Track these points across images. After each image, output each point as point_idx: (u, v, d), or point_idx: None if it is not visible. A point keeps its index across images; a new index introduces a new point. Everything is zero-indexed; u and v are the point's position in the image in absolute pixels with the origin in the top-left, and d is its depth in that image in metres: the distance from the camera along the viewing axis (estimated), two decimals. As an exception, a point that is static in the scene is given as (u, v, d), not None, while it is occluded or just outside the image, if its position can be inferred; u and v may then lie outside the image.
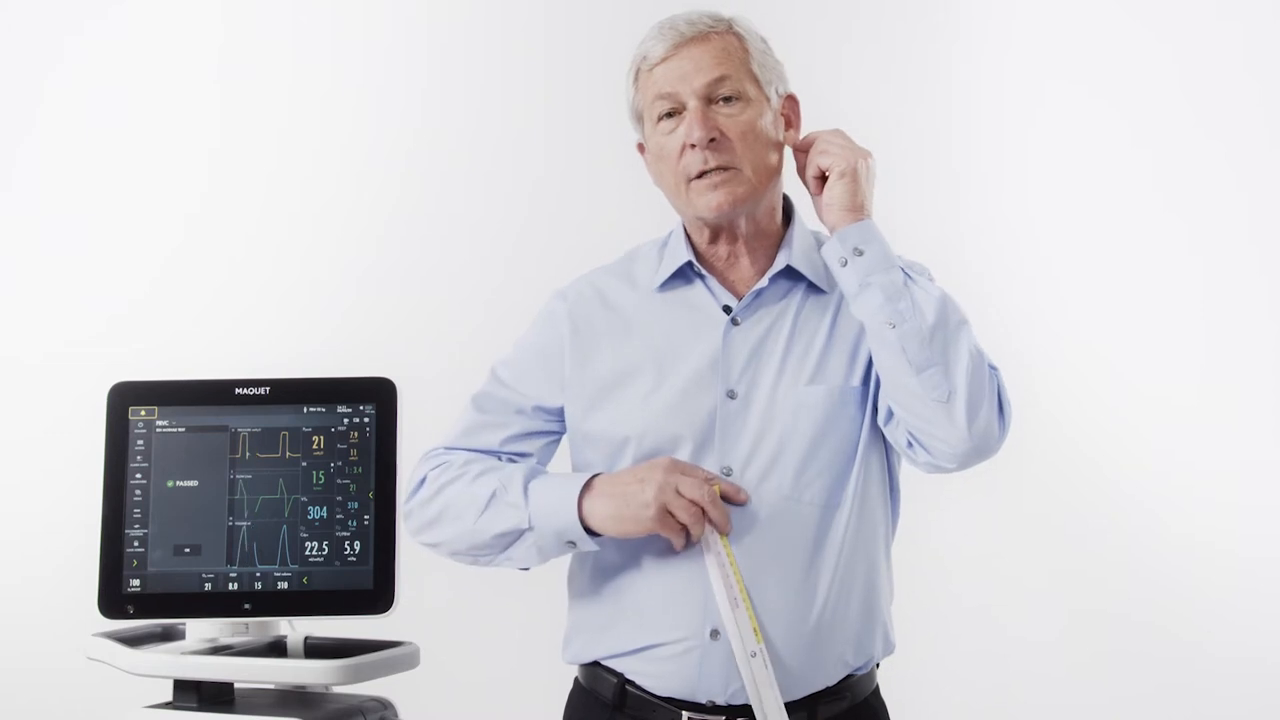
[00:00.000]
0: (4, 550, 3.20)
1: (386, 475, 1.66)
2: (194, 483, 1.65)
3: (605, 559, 1.62)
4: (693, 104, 1.58)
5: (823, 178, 1.59)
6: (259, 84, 3.38)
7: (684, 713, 1.57)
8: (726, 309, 1.64)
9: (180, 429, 1.66)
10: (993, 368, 1.57)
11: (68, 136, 3.35)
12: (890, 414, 1.58)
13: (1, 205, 3.35)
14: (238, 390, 1.68)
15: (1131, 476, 3.21)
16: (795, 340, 1.62)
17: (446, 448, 1.71)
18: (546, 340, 1.71)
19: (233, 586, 1.63)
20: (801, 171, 1.64)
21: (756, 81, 1.62)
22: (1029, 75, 3.34)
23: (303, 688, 1.64)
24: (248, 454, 1.66)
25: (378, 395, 1.67)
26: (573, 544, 1.58)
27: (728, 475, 1.57)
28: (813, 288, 1.65)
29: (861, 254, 1.55)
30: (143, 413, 1.66)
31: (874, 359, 1.57)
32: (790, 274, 1.65)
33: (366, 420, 1.67)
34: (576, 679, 1.71)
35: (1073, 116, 3.31)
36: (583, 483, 1.56)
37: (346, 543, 1.64)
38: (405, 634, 1.68)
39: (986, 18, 3.40)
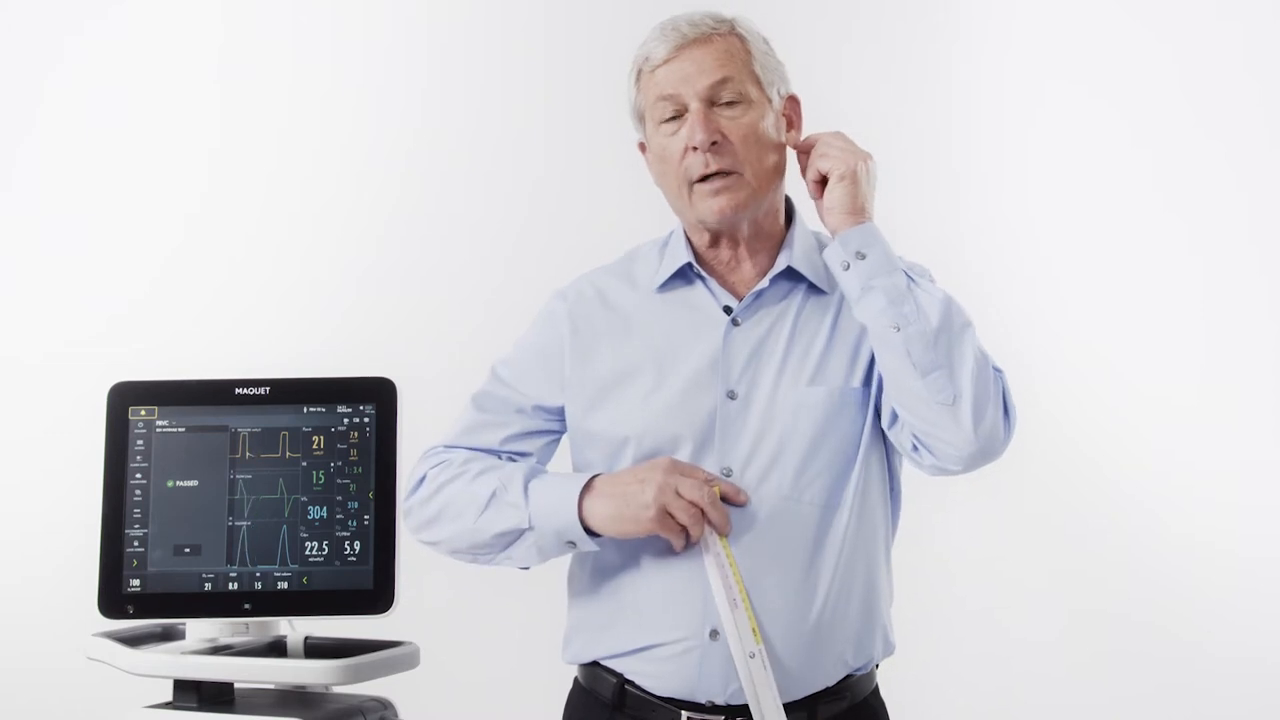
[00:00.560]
0: (4, 550, 3.20)
1: (386, 475, 1.66)
2: (194, 483, 1.65)
3: (605, 559, 1.62)
4: (695, 106, 1.58)
5: (823, 181, 1.59)
6: (259, 84, 3.38)
7: (683, 712, 1.57)
8: (727, 309, 1.64)
9: (180, 429, 1.66)
10: (997, 370, 1.57)
11: (68, 136, 3.35)
12: (895, 417, 1.58)
13: (1, 205, 3.35)
14: (238, 390, 1.68)
15: (1131, 476, 3.21)
16: (796, 341, 1.62)
17: (446, 446, 1.71)
18: (547, 340, 1.71)
19: (233, 586, 1.63)
20: (804, 173, 1.64)
21: (758, 83, 1.61)
22: (1029, 75, 3.34)
23: (303, 688, 1.64)
24: (248, 454, 1.66)
25: (378, 395, 1.67)
26: (573, 544, 1.58)
27: (727, 476, 1.57)
28: (813, 288, 1.65)
29: (864, 257, 1.54)
30: (143, 413, 1.66)
31: (878, 362, 1.57)
32: (791, 275, 1.64)
33: (366, 420, 1.67)
34: (576, 679, 1.71)
35: (1073, 116, 3.31)
36: (583, 483, 1.56)
37: (346, 543, 1.64)
38: (405, 634, 1.68)
39: (986, 18, 3.40)
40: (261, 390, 1.68)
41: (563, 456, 1.74)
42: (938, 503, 2.56)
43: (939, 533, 3.02)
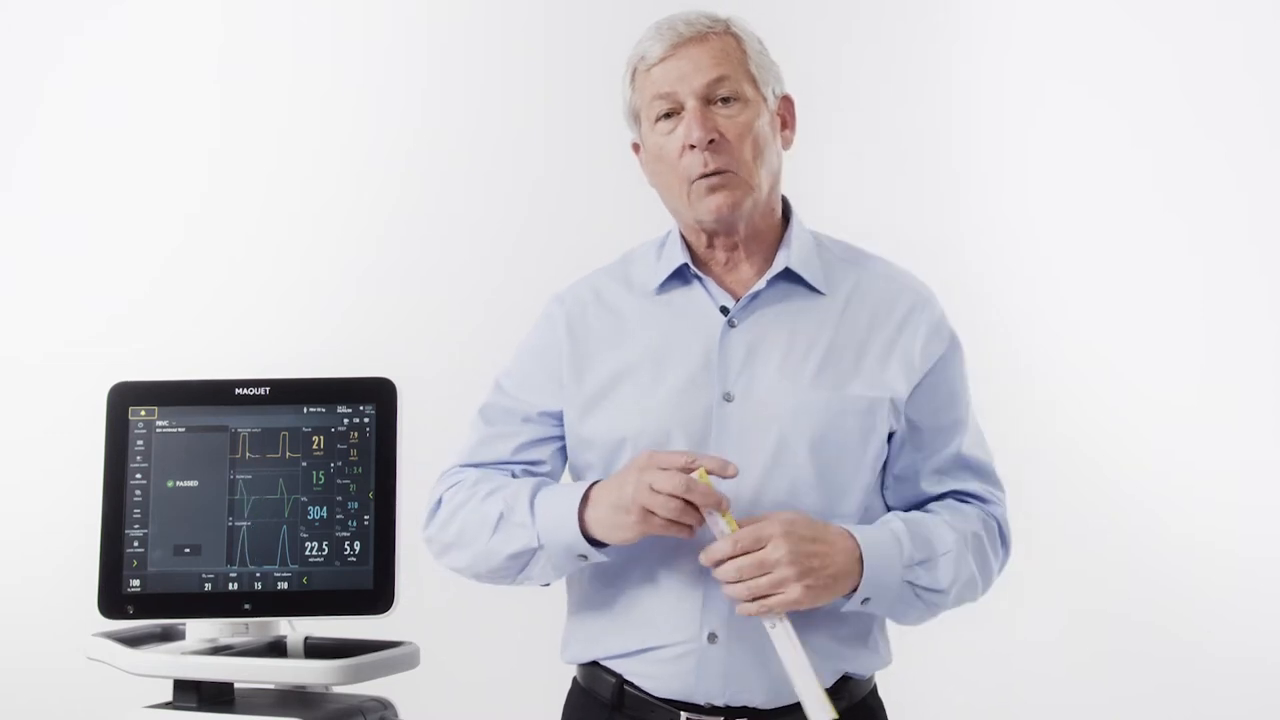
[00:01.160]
0: (4, 550, 3.20)
1: (386, 475, 1.66)
2: (194, 483, 1.65)
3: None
4: (691, 104, 1.57)
5: None
6: (259, 84, 3.38)
7: (682, 713, 1.56)
8: (724, 310, 1.62)
9: (180, 429, 1.66)
10: (1004, 545, 1.67)
11: (68, 136, 3.36)
12: (884, 483, 1.65)
13: (1, 205, 3.35)
14: (238, 390, 1.68)
15: (1131, 476, 3.21)
16: (794, 343, 1.60)
17: (460, 465, 1.70)
18: (545, 345, 1.70)
19: (233, 586, 1.63)
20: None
21: (754, 82, 1.61)
22: (1029, 75, 3.34)
23: (303, 688, 1.64)
24: (248, 454, 1.66)
25: (378, 395, 1.67)
26: (584, 557, 1.55)
27: (724, 479, 1.56)
28: (812, 290, 1.64)
29: (869, 601, 1.53)
30: (143, 413, 1.66)
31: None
32: (789, 276, 1.63)
33: (366, 420, 1.67)
34: (575, 679, 1.71)
35: (1073, 116, 3.31)
36: (582, 493, 1.53)
37: (346, 543, 1.64)
38: (405, 634, 1.68)
39: (986, 18, 3.40)
40: (261, 390, 1.68)
41: (566, 460, 1.74)
42: (937, 503, 2.56)
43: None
